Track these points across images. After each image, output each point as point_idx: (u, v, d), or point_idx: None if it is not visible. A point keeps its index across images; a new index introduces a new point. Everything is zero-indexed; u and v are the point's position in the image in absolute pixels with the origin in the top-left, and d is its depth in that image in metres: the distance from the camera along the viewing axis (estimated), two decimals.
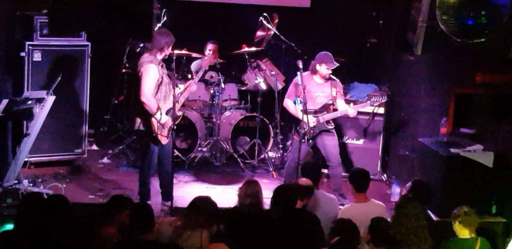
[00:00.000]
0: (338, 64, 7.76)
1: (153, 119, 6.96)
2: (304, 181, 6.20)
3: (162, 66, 7.08)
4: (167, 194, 7.22)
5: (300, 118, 7.63)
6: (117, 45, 9.37)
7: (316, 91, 7.77)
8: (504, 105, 7.99)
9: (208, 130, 9.10)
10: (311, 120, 7.65)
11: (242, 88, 9.39)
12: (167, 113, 7.05)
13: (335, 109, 7.88)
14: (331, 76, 7.82)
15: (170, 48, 7.11)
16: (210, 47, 9.35)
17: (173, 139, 7.16)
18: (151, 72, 6.91)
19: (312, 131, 7.71)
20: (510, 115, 7.85)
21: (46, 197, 6.94)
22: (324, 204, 6.33)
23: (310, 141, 7.77)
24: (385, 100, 7.99)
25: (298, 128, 7.72)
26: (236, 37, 9.72)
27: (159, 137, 7.05)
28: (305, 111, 7.51)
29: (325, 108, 7.81)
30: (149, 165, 7.22)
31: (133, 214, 5.13)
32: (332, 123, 7.86)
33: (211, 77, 9.01)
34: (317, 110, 7.77)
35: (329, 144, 7.82)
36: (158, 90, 7.03)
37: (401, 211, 5.73)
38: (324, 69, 7.71)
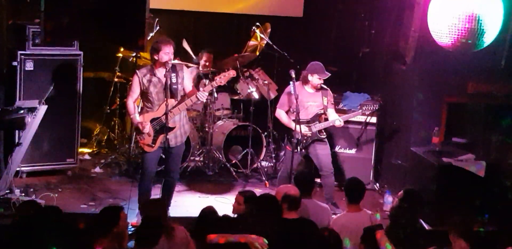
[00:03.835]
0: (329, 74, 7.76)
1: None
2: (289, 189, 6.10)
3: (154, 74, 7.02)
4: None
5: (293, 128, 7.62)
6: (109, 54, 9.37)
7: (308, 101, 7.78)
8: (496, 114, 8.04)
9: (201, 139, 9.09)
10: (306, 130, 7.66)
11: (234, 97, 9.39)
12: (151, 122, 7.02)
13: (326, 119, 7.88)
14: (322, 85, 7.83)
15: (168, 56, 6.92)
16: (205, 58, 9.33)
17: (167, 151, 7.07)
18: (132, 81, 7.11)
19: (304, 141, 7.72)
20: (502, 125, 7.88)
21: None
22: (316, 214, 6.32)
23: (303, 150, 7.77)
24: (376, 108, 7.98)
25: (290, 137, 7.71)
26: (229, 46, 9.73)
27: (141, 144, 7.05)
28: (297, 121, 7.51)
29: (317, 117, 7.81)
30: (143, 173, 7.19)
31: (141, 227, 5.12)
32: (324, 133, 7.86)
33: (205, 85, 8.98)
34: (309, 120, 7.78)
35: (322, 153, 7.83)
36: (144, 98, 7.06)
37: (394, 220, 5.74)
38: (316, 79, 7.72)
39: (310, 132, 7.72)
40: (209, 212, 5.90)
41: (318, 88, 7.80)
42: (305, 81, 7.79)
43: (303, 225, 5.77)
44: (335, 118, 7.79)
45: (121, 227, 5.33)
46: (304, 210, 6.22)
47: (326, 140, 7.90)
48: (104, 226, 5.31)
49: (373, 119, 8.71)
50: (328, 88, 7.87)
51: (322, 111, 7.83)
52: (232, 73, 7.14)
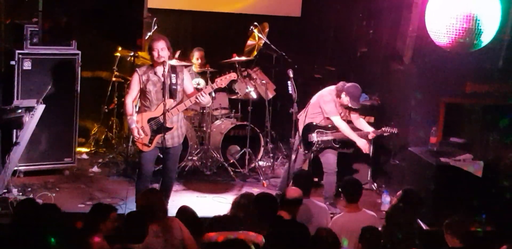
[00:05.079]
0: (359, 106, 7.79)
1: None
2: (292, 192, 6.12)
3: (154, 73, 7.02)
4: None
5: (354, 138, 7.68)
6: (107, 53, 9.37)
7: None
8: (493, 114, 8.05)
9: (199, 139, 9.09)
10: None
11: (232, 97, 9.38)
12: (149, 121, 7.02)
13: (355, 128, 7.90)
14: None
15: (157, 52, 6.86)
16: (197, 55, 9.35)
17: (164, 151, 7.07)
18: (132, 79, 7.08)
19: (318, 145, 7.74)
20: (500, 125, 7.89)
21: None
22: (314, 214, 6.33)
23: (313, 153, 7.80)
24: (395, 132, 7.89)
25: (304, 138, 7.71)
26: (227, 46, 9.73)
27: (136, 143, 7.05)
28: (295, 121, 7.54)
29: (336, 128, 7.83)
30: (140, 172, 7.19)
31: (127, 222, 5.14)
32: (338, 142, 7.85)
33: (198, 84, 8.96)
34: (329, 127, 7.80)
35: (329, 152, 7.85)
36: (143, 97, 7.06)
37: (392, 220, 5.75)
38: (345, 101, 7.69)
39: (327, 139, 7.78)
40: (184, 211, 5.91)
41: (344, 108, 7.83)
42: (338, 96, 7.77)
43: (292, 227, 5.80)
44: (367, 131, 7.83)
45: (108, 226, 5.35)
46: (305, 210, 6.22)
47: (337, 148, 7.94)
48: (92, 222, 5.34)
49: (371, 119, 8.71)
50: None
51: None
52: (233, 75, 7.16)
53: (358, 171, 8.67)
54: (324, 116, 7.79)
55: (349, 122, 7.95)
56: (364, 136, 7.87)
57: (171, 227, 5.54)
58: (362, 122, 7.99)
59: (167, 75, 6.93)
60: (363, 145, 7.76)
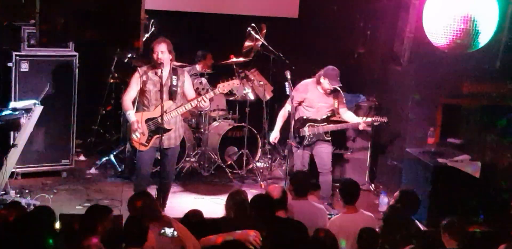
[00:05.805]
0: (340, 85, 7.77)
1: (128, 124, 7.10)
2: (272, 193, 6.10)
3: (155, 73, 7.02)
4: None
5: (276, 128, 7.87)
6: (105, 55, 9.36)
7: (319, 101, 7.79)
8: (491, 115, 8.05)
9: (196, 140, 9.09)
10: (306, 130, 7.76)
11: (230, 98, 9.38)
12: (147, 121, 7.02)
13: (337, 121, 7.89)
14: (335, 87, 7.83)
15: (157, 54, 6.92)
16: (209, 57, 9.38)
17: (162, 152, 7.07)
18: (132, 78, 7.10)
19: (310, 139, 7.74)
20: (497, 126, 7.90)
21: (32, 207, 6.98)
22: (312, 215, 6.32)
23: (305, 147, 7.80)
24: (385, 121, 7.92)
25: (295, 133, 7.73)
26: (224, 47, 9.73)
27: (133, 142, 7.05)
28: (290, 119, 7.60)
29: (327, 119, 7.83)
30: (138, 174, 7.20)
31: (127, 226, 5.13)
32: (329, 134, 7.88)
33: (201, 83, 8.94)
34: (319, 120, 7.80)
35: (323, 151, 7.86)
36: (142, 97, 7.06)
37: (390, 221, 5.75)
38: (326, 84, 7.73)
39: (313, 132, 7.77)
40: (192, 215, 5.89)
41: (328, 93, 7.81)
42: (318, 82, 7.79)
43: (288, 225, 5.80)
44: (357, 121, 7.84)
45: (105, 227, 5.34)
46: (302, 211, 6.21)
47: (330, 141, 7.92)
48: (89, 223, 5.32)
49: (369, 120, 8.71)
50: (339, 90, 7.86)
51: (331, 113, 7.87)
52: (236, 82, 7.19)
53: (355, 172, 8.67)
54: (314, 109, 7.77)
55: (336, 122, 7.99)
56: (355, 126, 7.88)
57: (171, 224, 5.55)
58: (350, 115, 7.97)
59: (168, 77, 6.96)
60: (274, 135, 7.95)
